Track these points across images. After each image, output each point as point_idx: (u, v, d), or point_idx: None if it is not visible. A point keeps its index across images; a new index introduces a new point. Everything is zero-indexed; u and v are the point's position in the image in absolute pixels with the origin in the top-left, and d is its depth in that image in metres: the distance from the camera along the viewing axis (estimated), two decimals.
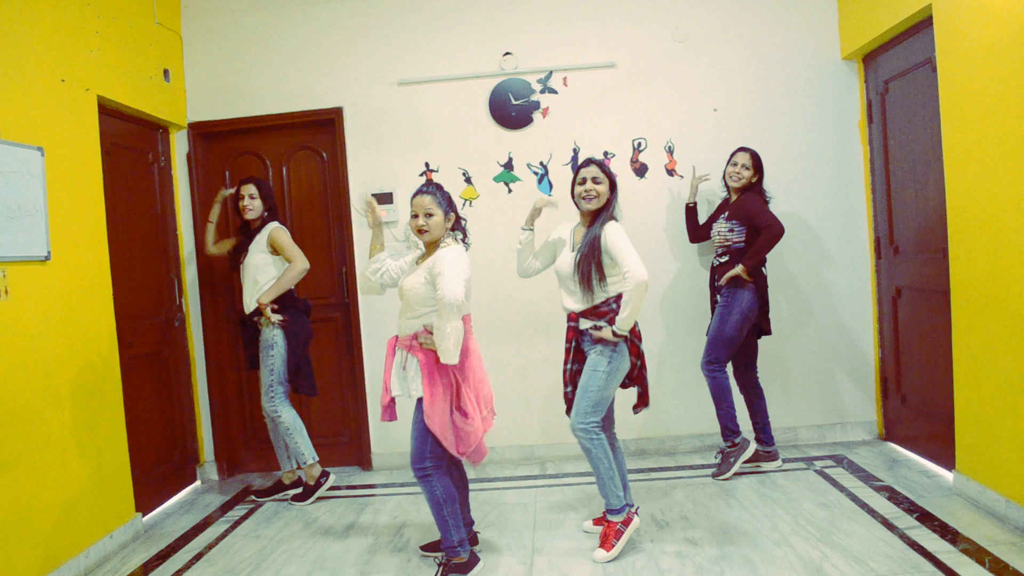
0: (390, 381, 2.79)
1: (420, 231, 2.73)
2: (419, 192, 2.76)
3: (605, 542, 2.92)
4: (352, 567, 3.02)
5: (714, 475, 3.73)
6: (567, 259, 2.94)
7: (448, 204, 2.78)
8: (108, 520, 3.28)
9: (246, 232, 3.87)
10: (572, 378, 2.98)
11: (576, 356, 2.98)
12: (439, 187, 2.79)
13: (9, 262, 2.78)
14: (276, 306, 3.69)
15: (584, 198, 2.91)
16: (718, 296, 3.74)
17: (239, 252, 3.87)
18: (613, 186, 2.94)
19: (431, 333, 2.67)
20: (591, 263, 2.83)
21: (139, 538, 3.47)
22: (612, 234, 2.84)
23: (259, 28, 4.34)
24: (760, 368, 3.91)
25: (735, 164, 3.71)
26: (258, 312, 3.71)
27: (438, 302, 2.59)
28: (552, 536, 3.17)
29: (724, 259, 3.72)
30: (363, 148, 4.32)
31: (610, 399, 2.94)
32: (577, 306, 2.92)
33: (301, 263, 3.72)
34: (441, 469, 2.77)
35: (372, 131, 4.31)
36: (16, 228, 2.82)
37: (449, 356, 2.60)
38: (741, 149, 3.75)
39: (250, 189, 3.81)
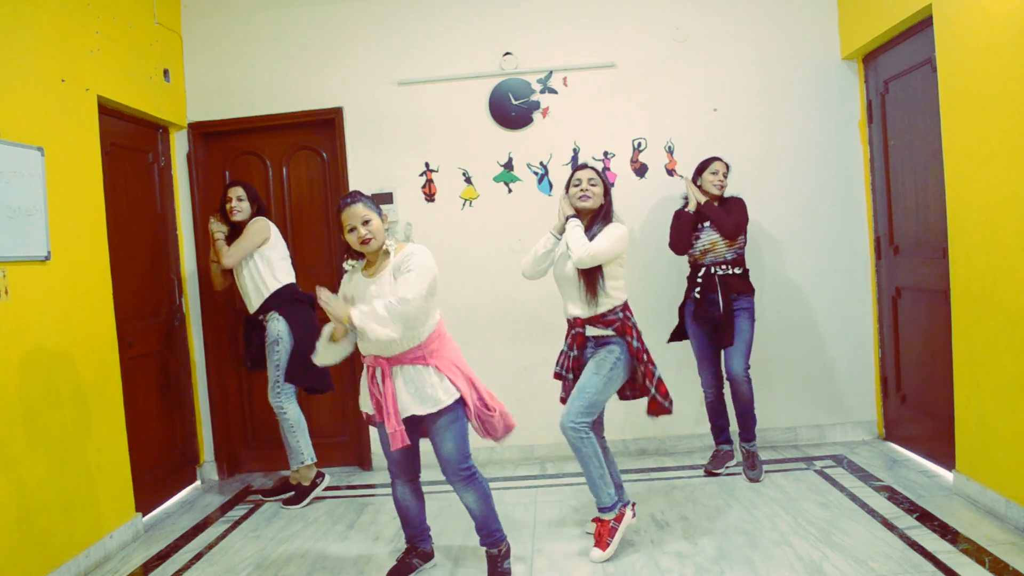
0: (396, 405, 2.55)
1: (364, 242, 2.54)
2: (346, 204, 2.56)
3: (600, 541, 2.92)
4: (352, 567, 3.02)
5: (754, 479, 3.65)
6: (567, 263, 2.92)
7: (377, 206, 2.63)
8: (108, 520, 3.27)
9: (235, 235, 3.82)
10: (569, 386, 2.99)
11: (575, 365, 2.97)
12: (361, 193, 2.63)
13: (9, 262, 2.78)
14: (225, 233, 3.79)
15: (580, 197, 2.93)
16: (729, 304, 3.66)
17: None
18: (607, 191, 2.98)
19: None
20: (595, 268, 2.84)
21: (139, 538, 3.47)
22: (609, 231, 2.86)
23: (259, 28, 4.34)
24: (760, 368, 3.92)
25: (715, 172, 3.70)
26: (263, 310, 3.74)
27: (392, 299, 2.40)
28: (552, 536, 3.18)
29: (738, 270, 3.68)
30: (363, 148, 4.32)
31: (603, 404, 2.94)
32: (584, 312, 2.90)
33: (231, 258, 3.69)
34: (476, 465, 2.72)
35: (372, 131, 4.31)
36: (16, 228, 2.82)
37: (377, 332, 2.36)
38: (716, 158, 3.74)
39: (237, 191, 3.79)
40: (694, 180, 3.79)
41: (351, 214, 2.54)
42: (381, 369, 2.57)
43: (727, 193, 3.80)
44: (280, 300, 3.75)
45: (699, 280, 3.70)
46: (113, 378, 3.40)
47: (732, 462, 3.85)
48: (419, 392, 2.57)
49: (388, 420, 2.54)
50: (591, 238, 2.86)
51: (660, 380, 2.95)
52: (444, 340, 2.66)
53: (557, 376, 3.06)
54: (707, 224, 3.70)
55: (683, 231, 3.71)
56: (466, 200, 4.31)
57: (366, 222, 2.54)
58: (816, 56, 4.18)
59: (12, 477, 2.72)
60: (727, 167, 3.74)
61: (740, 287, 3.68)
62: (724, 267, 3.67)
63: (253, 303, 3.79)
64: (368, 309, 2.41)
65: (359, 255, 2.69)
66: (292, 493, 3.86)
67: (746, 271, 3.74)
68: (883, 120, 3.97)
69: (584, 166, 3.00)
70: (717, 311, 3.63)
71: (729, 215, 3.65)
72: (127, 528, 3.40)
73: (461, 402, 2.62)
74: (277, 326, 3.71)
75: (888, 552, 2.74)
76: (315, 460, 3.84)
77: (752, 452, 3.74)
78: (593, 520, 3.12)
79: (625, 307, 2.94)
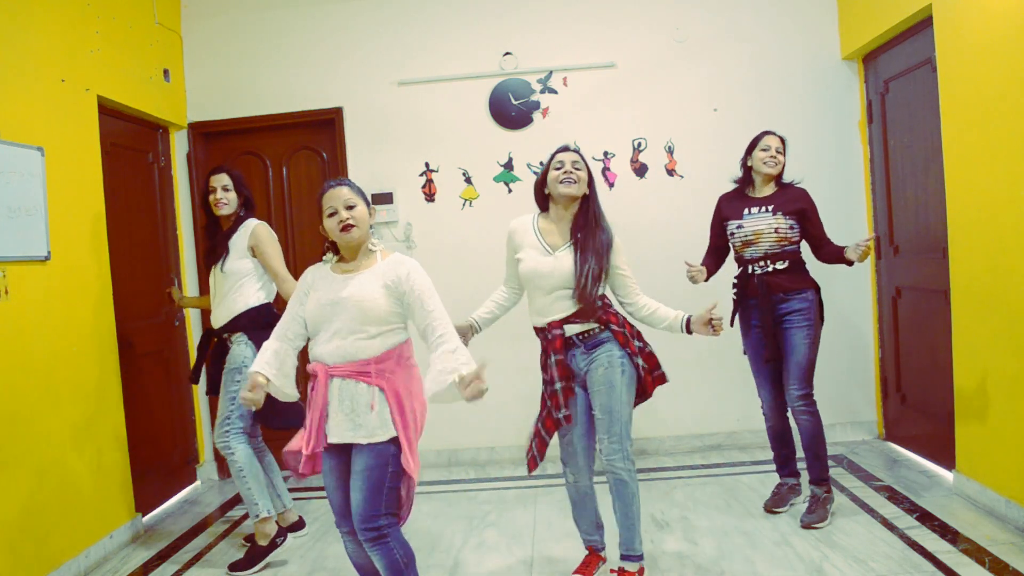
0: (325, 424, 2.18)
1: (345, 227, 2.17)
2: (331, 186, 2.22)
3: None
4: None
5: (807, 523, 3.02)
6: (552, 262, 2.55)
7: (365, 197, 2.27)
8: (108, 520, 3.27)
9: (213, 231, 3.21)
10: (567, 400, 2.57)
11: (564, 372, 2.58)
12: (349, 179, 2.31)
13: (9, 262, 2.78)
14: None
15: (563, 181, 2.53)
16: (773, 310, 3.08)
17: (213, 254, 3.18)
18: (591, 180, 2.61)
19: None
20: (600, 270, 2.51)
21: (139, 538, 3.47)
22: (623, 252, 2.61)
23: (259, 28, 4.34)
24: None
25: (767, 149, 3.13)
26: (230, 328, 3.08)
27: (444, 327, 2.16)
28: (552, 536, 3.17)
29: (780, 265, 3.06)
30: (363, 148, 4.32)
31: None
32: (564, 313, 2.55)
33: (292, 284, 2.97)
34: (398, 526, 2.20)
35: (372, 131, 4.31)
36: (16, 228, 2.82)
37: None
38: (768, 133, 3.19)
39: (222, 180, 3.13)
40: (744, 160, 3.25)
41: (334, 195, 2.19)
42: (319, 377, 2.17)
43: (786, 178, 3.23)
44: (254, 321, 3.07)
45: (734, 281, 3.21)
46: (113, 378, 3.40)
47: (799, 498, 3.27)
48: (352, 414, 2.15)
49: (307, 439, 2.17)
50: (605, 239, 2.54)
51: (653, 354, 2.64)
52: (404, 367, 2.22)
53: (556, 404, 2.60)
54: (755, 208, 3.12)
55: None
56: (466, 200, 4.31)
57: (350, 207, 2.19)
58: (816, 56, 4.18)
59: (12, 477, 2.71)
60: (781, 141, 3.18)
61: (789, 285, 3.06)
62: (763, 264, 3.08)
63: (220, 317, 3.11)
64: (464, 357, 2.14)
65: (335, 250, 2.30)
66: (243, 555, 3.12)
67: (797, 262, 3.11)
68: (883, 120, 3.97)
69: (566, 148, 2.61)
70: (765, 319, 3.08)
71: (814, 234, 3.11)
72: (127, 528, 3.40)
73: (395, 444, 2.16)
74: (244, 351, 3.03)
75: (888, 552, 2.74)
76: (272, 513, 3.08)
77: (817, 497, 3.08)
78: (614, 572, 2.61)
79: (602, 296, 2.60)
